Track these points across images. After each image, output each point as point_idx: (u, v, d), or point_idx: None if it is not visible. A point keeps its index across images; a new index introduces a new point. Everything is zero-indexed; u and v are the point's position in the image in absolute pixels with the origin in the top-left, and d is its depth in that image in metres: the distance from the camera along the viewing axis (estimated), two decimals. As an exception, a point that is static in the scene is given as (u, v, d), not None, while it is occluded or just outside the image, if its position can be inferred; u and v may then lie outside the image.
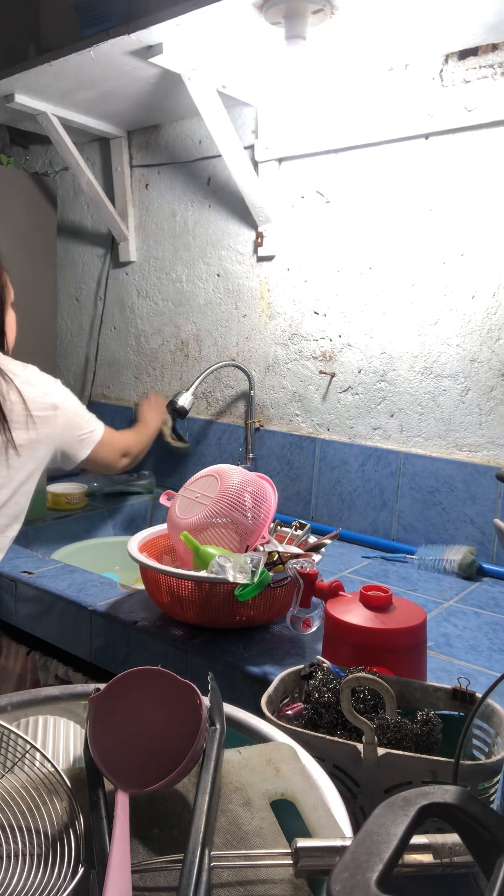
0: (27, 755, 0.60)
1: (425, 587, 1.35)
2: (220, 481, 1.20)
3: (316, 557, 1.10)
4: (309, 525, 1.24)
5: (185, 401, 1.73)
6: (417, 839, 0.51)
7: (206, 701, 0.62)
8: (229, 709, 0.70)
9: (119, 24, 1.37)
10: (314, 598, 1.05)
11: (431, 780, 0.70)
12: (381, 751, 0.71)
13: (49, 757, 0.60)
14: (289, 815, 0.57)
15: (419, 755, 0.71)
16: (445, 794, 0.46)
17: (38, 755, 0.60)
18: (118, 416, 2.17)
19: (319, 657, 0.88)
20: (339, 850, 0.49)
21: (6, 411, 1.22)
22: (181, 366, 2.02)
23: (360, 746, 0.72)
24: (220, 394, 1.93)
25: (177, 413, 1.74)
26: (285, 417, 1.79)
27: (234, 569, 1.03)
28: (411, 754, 0.71)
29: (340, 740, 0.73)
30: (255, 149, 1.73)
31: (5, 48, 1.87)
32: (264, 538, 1.16)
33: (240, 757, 0.63)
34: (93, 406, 2.21)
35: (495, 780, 0.73)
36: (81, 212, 2.22)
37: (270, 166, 1.72)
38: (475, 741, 0.81)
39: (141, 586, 1.24)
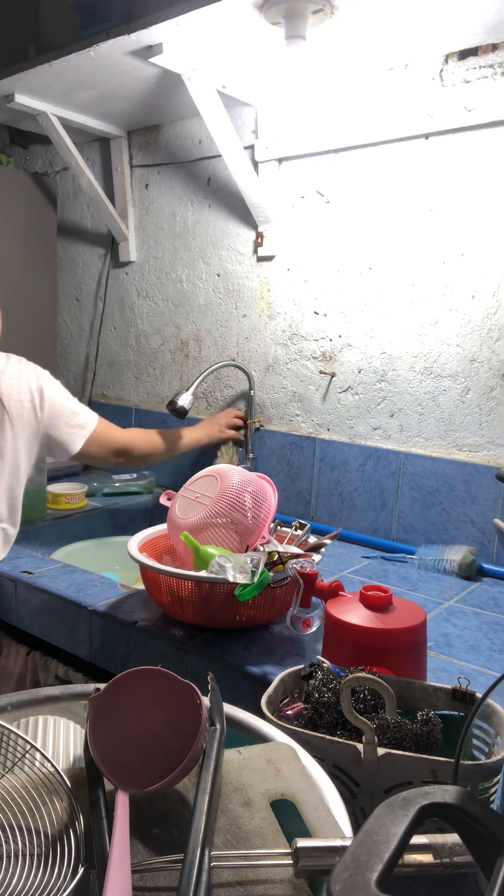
0: (27, 755, 0.60)
1: (425, 587, 1.35)
2: (220, 481, 1.20)
3: (316, 557, 1.10)
4: (309, 525, 1.24)
5: (185, 401, 1.72)
6: (417, 839, 0.51)
7: (206, 701, 0.62)
8: (229, 709, 0.70)
9: (119, 24, 1.37)
10: (314, 598, 1.05)
11: (431, 780, 0.70)
12: (381, 751, 0.71)
13: (49, 757, 0.60)
14: (289, 815, 0.57)
15: (419, 755, 0.71)
16: (445, 794, 0.46)
17: (38, 755, 0.60)
18: (118, 416, 2.16)
19: (319, 657, 0.88)
20: (339, 850, 0.49)
21: None
22: (181, 366, 2.02)
23: (360, 746, 0.72)
24: (220, 394, 1.93)
25: (177, 413, 1.74)
26: (285, 417, 1.79)
27: (234, 569, 1.03)
28: (411, 754, 0.71)
29: (340, 740, 0.73)
30: (255, 149, 1.73)
31: (5, 48, 1.87)
32: (264, 538, 1.16)
33: (240, 757, 0.63)
34: (93, 406, 2.21)
35: (495, 780, 0.73)
36: (81, 212, 2.22)
37: (270, 166, 1.72)
38: (475, 741, 0.81)
39: (141, 586, 1.24)
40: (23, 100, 1.74)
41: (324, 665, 0.85)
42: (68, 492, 1.81)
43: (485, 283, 1.44)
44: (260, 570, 1.02)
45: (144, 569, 1.14)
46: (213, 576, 1.04)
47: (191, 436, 1.71)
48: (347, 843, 0.48)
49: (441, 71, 1.44)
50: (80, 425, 1.38)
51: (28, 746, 0.61)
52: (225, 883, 0.50)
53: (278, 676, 0.85)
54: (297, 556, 1.08)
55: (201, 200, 1.91)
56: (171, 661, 1.08)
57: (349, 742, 0.73)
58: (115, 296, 2.17)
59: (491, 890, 0.39)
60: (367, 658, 0.87)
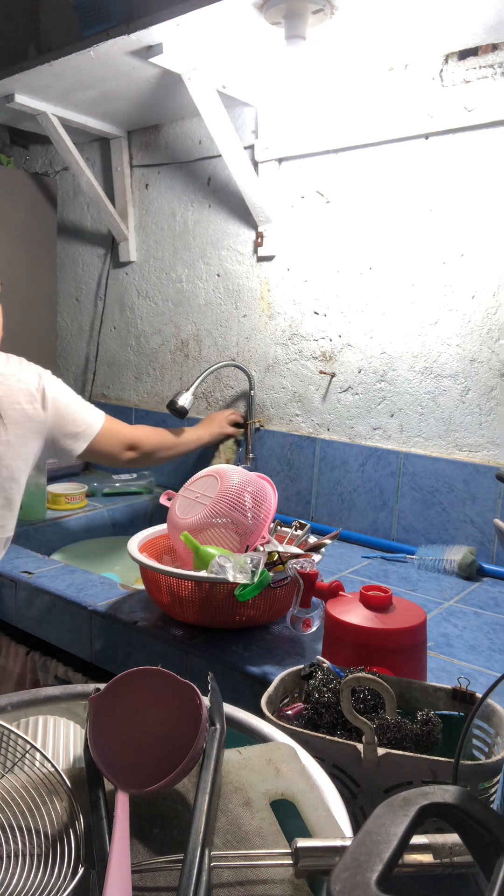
0: (27, 755, 0.60)
1: (425, 587, 1.35)
2: (220, 481, 1.20)
3: (316, 557, 1.10)
4: (309, 525, 1.24)
5: (185, 401, 1.72)
6: (417, 839, 0.51)
7: (206, 701, 0.62)
8: (229, 709, 0.70)
9: (119, 24, 1.37)
10: (314, 598, 1.05)
11: (431, 780, 0.70)
12: (381, 751, 0.71)
13: (49, 757, 0.60)
14: (289, 815, 0.57)
15: (419, 755, 0.71)
16: (445, 794, 0.46)
17: (38, 755, 0.60)
18: (118, 416, 2.14)
19: (319, 657, 0.88)
20: (339, 850, 0.49)
21: None
22: (181, 366, 2.02)
23: (360, 746, 0.72)
24: (220, 394, 1.93)
25: (177, 413, 1.74)
26: (285, 417, 1.79)
27: (234, 569, 1.03)
28: (411, 754, 0.71)
29: (340, 740, 0.73)
30: (255, 149, 1.73)
31: (5, 48, 1.87)
32: (264, 538, 1.16)
33: (240, 757, 0.63)
34: (93, 406, 2.21)
35: (495, 780, 0.73)
36: (81, 212, 2.22)
37: (270, 166, 1.72)
38: (475, 741, 0.81)
39: (141, 586, 1.24)
40: (23, 100, 1.74)
41: (324, 665, 0.85)
42: (68, 492, 1.81)
43: (485, 283, 1.44)
44: (260, 570, 1.02)
45: (144, 569, 1.14)
46: (213, 576, 1.04)
47: (193, 433, 1.72)
48: (347, 843, 0.48)
49: (441, 71, 1.44)
50: (87, 423, 1.36)
51: (28, 746, 0.61)
52: (225, 883, 0.50)
53: (278, 676, 0.85)
54: (297, 556, 1.08)
55: (201, 200, 1.91)
56: (171, 661, 1.08)
57: (349, 742, 0.73)
58: (115, 296, 2.17)
59: (491, 890, 0.39)
60: (367, 658, 0.87)
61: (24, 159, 2.32)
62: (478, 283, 1.45)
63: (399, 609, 0.93)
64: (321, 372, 1.70)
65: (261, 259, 1.79)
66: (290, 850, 0.50)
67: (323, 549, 1.15)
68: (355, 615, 0.91)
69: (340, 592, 1.01)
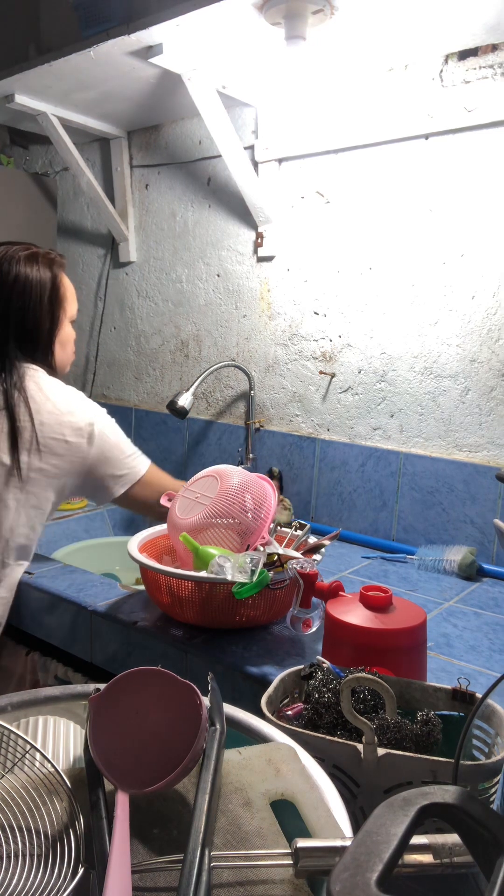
0: (27, 755, 0.60)
1: (425, 587, 1.35)
2: (220, 482, 1.20)
3: (316, 557, 1.10)
4: (309, 525, 1.24)
5: (185, 401, 1.73)
6: (417, 839, 0.51)
7: (206, 701, 0.62)
8: (229, 709, 0.70)
9: (119, 25, 1.37)
10: (314, 599, 1.05)
11: (431, 780, 0.70)
12: (381, 751, 0.71)
13: (49, 757, 0.60)
14: (289, 815, 0.57)
15: (419, 755, 0.71)
16: (445, 794, 0.46)
17: (38, 755, 0.60)
18: (118, 416, 2.16)
19: (319, 657, 0.88)
20: (339, 851, 0.49)
21: (19, 437, 1.19)
22: (181, 366, 2.02)
23: (360, 746, 0.72)
24: (220, 394, 1.93)
25: (177, 413, 1.74)
26: (285, 417, 1.79)
27: (234, 568, 1.03)
28: (411, 754, 0.71)
29: (340, 740, 0.73)
30: (255, 149, 1.73)
31: (5, 48, 1.87)
32: (264, 538, 1.16)
33: (240, 757, 0.63)
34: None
35: (495, 780, 0.73)
36: (81, 212, 2.23)
37: (270, 166, 1.72)
38: (475, 741, 0.81)
39: (141, 586, 1.24)
40: (23, 100, 1.74)
41: (324, 665, 0.85)
42: (68, 492, 1.81)
43: (485, 284, 1.44)
44: (259, 570, 1.02)
45: (144, 569, 1.14)
46: (213, 576, 1.04)
47: None
48: (347, 843, 0.48)
49: (441, 71, 1.44)
50: (130, 468, 1.32)
51: (28, 746, 0.61)
52: (225, 883, 0.50)
53: (278, 676, 0.85)
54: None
55: (201, 201, 1.91)
56: (171, 661, 1.08)
57: (349, 742, 0.73)
58: (115, 296, 2.17)
59: (491, 890, 0.39)
60: (367, 658, 0.87)
61: (24, 159, 2.32)
62: (478, 283, 1.45)
63: (399, 609, 0.93)
64: (321, 372, 1.70)
65: (261, 259, 1.79)
66: (290, 851, 0.50)
67: (323, 550, 1.15)
68: (355, 615, 0.91)
69: (340, 593, 1.01)
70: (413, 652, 0.91)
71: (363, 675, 0.75)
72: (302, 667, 0.86)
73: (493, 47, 1.37)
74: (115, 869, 0.48)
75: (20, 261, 1.27)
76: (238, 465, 1.64)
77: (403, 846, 0.42)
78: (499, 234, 1.42)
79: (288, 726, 0.74)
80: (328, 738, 0.73)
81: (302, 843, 0.50)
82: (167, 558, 1.27)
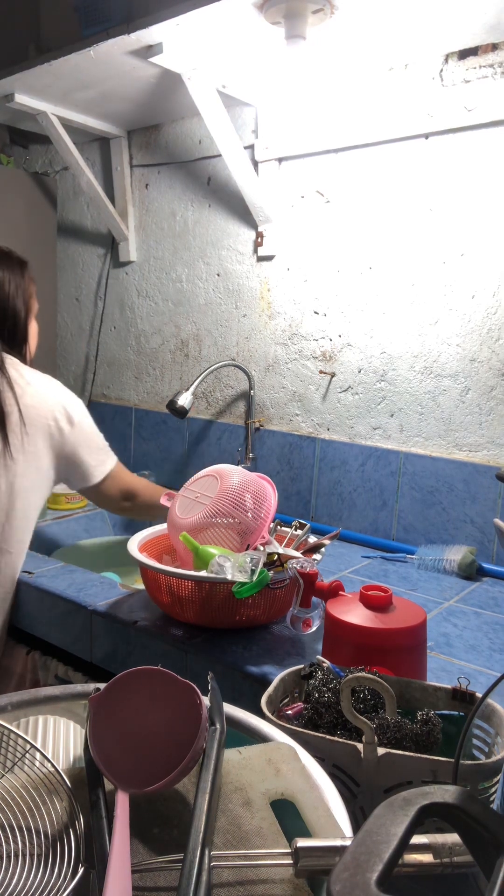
0: (27, 755, 0.60)
1: (425, 587, 1.35)
2: (220, 481, 1.19)
3: (316, 557, 1.10)
4: (309, 525, 1.24)
5: (184, 401, 1.72)
6: (417, 839, 0.51)
7: (206, 701, 0.62)
8: (229, 709, 0.70)
9: (119, 24, 1.37)
10: (314, 598, 1.05)
11: (431, 780, 0.70)
12: (381, 751, 0.71)
13: (49, 757, 0.60)
14: (289, 815, 0.57)
15: (419, 755, 0.71)
16: (445, 794, 0.46)
17: (38, 755, 0.60)
18: (118, 416, 2.17)
19: (319, 657, 0.88)
20: (339, 850, 0.49)
21: (6, 419, 1.23)
22: (181, 366, 2.02)
23: (360, 746, 0.72)
24: (220, 394, 1.93)
25: (177, 413, 1.74)
26: (285, 417, 1.79)
27: (234, 568, 1.03)
28: (411, 754, 0.71)
29: (340, 740, 0.73)
30: (255, 149, 1.73)
31: (5, 48, 1.87)
32: (264, 538, 1.16)
33: (240, 757, 0.63)
34: (93, 406, 2.21)
35: (495, 780, 0.73)
36: (81, 212, 2.22)
37: (270, 166, 1.72)
38: (475, 741, 0.81)
39: (141, 586, 1.24)
40: (23, 100, 1.74)
41: (324, 665, 0.85)
42: (68, 492, 1.81)
43: (485, 283, 1.44)
44: (259, 570, 1.02)
45: (144, 569, 1.14)
46: (213, 576, 1.04)
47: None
48: (347, 843, 0.48)
49: (441, 71, 1.44)
50: (102, 460, 1.39)
51: (28, 746, 0.61)
52: (225, 883, 0.50)
53: (278, 676, 0.85)
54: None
55: (201, 200, 1.91)
56: (171, 661, 1.08)
57: (349, 742, 0.73)
58: (115, 296, 2.17)
59: (491, 890, 0.39)
60: (367, 658, 0.87)
61: (24, 159, 2.32)
62: (478, 282, 1.45)
63: (399, 609, 0.93)
64: (321, 372, 1.70)
65: (261, 259, 1.79)
66: (290, 850, 0.50)
67: (323, 549, 1.15)
68: (355, 615, 0.91)
69: (340, 592, 1.01)
70: (413, 651, 0.91)
71: (363, 674, 0.75)
72: (302, 666, 0.86)
73: (493, 47, 1.37)
74: (115, 869, 0.48)
75: None
76: (238, 465, 1.64)
77: (403, 846, 0.42)
78: (499, 234, 1.42)
79: (288, 726, 0.74)
80: (328, 737, 0.73)
81: (302, 842, 0.50)
82: (167, 558, 1.27)
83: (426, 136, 1.48)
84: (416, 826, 0.44)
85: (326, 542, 1.16)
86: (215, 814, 0.56)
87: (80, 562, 1.52)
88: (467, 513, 1.48)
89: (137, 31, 1.34)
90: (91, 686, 0.74)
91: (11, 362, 1.31)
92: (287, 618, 1.07)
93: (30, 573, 1.33)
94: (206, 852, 0.50)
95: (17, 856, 0.52)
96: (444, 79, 1.44)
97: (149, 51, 1.42)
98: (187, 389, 1.73)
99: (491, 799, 0.73)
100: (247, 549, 1.12)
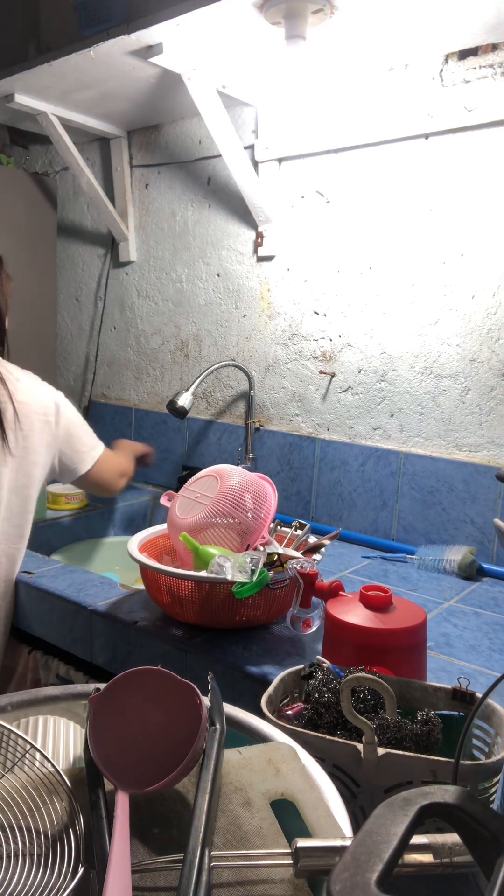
0: (27, 755, 0.60)
1: (425, 587, 1.35)
2: (220, 481, 1.20)
3: (316, 557, 1.10)
4: (309, 525, 1.24)
5: (184, 401, 1.72)
6: (417, 839, 0.51)
7: (206, 701, 0.62)
8: (229, 709, 0.70)
9: (119, 24, 1.37)
10: (314, 598, 1.05)
11: (431, 780, 0.70)
12: (381, 751, 0.71)
13: (49, 757, 0.60)
14: (289, 815, 0.57)
15: (419, 755, 0.71)
16: (445, 794, 0.46)
17: (38, 755, 0.60)
18: (118, 416, 2.17)
19: (319, 657, 0.88)
20: (339, 850, 0.49)
21: (3, 415, 1.24)
22: (181, 366, 2.02)
23: (360, 746, 0.72)
24: (220, 394, 1.93)
25: (177, 413, 1.74)
26: (285, 417, 1.79)
27: (234, 568, 1.03)
28: (411, 754, 0.71)
29: (340, 740, 0.73)
30: (255, 149, 1.73)
31: (5, 48, 1.87)
32: (264, 538, 1.16)
33: (240, 757, 0.63)
34: (93, 406, 2.21)
35: (495, 780, 0.73)
36: (81, 212, 2.22)
37: (270, 166, 1.72)
38: (475, 741, 0.81)
39: (141, 586, 1.24)
40: (23, 100, 1.74)
41: (324, 665, 0.85)
42: (68, 492, 1.81)
43: (485, 283, 1.44)
44: (259, 570, 1.02)
45: (144, 569, 1.14)
46: (213, 576, 1.04)
47: (128, 459, 1.63)
48: (347, 843, 0.48)
49: (441, 71, 1.44)
50: (92, 446, 1.41)
51: (28, 746, 0.61)
52: (225, 883, 0.50)
53: (278, 676, 0.85)
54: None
55: (201, 200, 1.91)
56: (171, 661, 1.08)
57: (349, 742, 0.73)
58: (115, 296, 2.17)
59: (491, 890, 0.39)
60: (367, 658, 0.87)
61: (24, 159, 2.32)
62: (478, 283, 1.45)
63: (399, 609, 0.93)
64: (321, 372, 1.70)
65: (261, 259, 1.79)
66: (290, 850, 0.50)
67: (323, 549, 1.15)
68: (355, 615, 0.91)
69: (340, 592, 1.01)
70: (413, 652, 0.91)
71: (363, 674, 0.75)
72: (302, 666, 0.86)
73: (493, 47, 1.37)
74: (115, 869, 0.48)
75: None
76: (238, 465, 1.64)
77: (403, 846, 0.42)
78: (499, 234, 1.42)
79: (288, 726, 0.74)
80: (328, 737, 0.73)
81: (302, 842, 0.50)
82: (167, 558, 1.27)
83: (426, 136, 1.48)
84: (416, 826, 0.44)
85: (326, 542, 1.16)
86: (215, 814, 0.56)
87: (80, 562, 1.52)
88: (467, 513, 1.48)
89: (137, 32, 1.34)
90: (91, 686, 0.74)
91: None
92: (287, 618, 1.07)
93: (30, 573, 1.33)
94: (206, 852, 0.50)
95: (17, 856, 0.52)
96: (444, 79, 1.44)
97: (149, 51, 1.42)
98: (187, 389, 1.73)
99: (491, 799, 0.73)
100: (247, 550, 1.12)
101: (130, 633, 1.14)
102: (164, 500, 1.32)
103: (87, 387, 2.26)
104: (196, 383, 1.74)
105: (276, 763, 0.62)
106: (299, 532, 1.23)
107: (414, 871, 0.50)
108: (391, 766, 0.71)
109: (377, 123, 1.53)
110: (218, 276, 1.89)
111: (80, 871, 0.50)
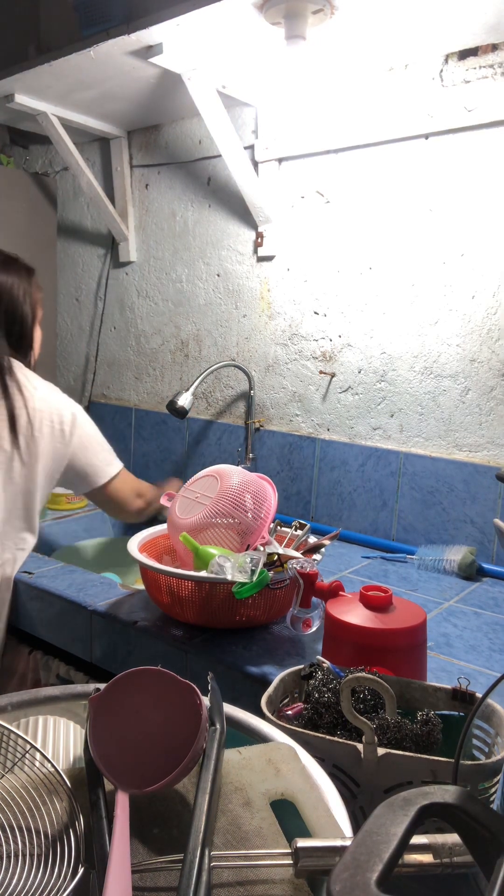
0: (27, 755, 0.60)
1: (425, 587, 1.35)
2: (220, 482, 1.20)
3: (316, 557, 1.10)
4: (309, 525, 1.24)
5: (184, 401, 1.72)
6: (417, 839, 0.51)
7: (206, 701, 0.62)
8: (229, 709, 0.70)
9: (119, 24, 1.37)
10: (314, 598, 1.05)
11: (431, 780, 0.70)
12: (381, 751, 0.71)
13: (49, 757, 0.60)
14: (289, 815, 0.57)
15: (419, 755, 0.71)
16: (445, 794, 0.46)
17: (38, 755, 0.60)
18: (118, 416, 2.17)
19: (319, 657, 0.88)
20: (339, 850, 0.49)
21: (17, 422, 1.26)
22: (181, 366, 2.02)
23: (360, 746, 0.72)
24: (220, 394, 1.93)
25: (177, 413, 1.74)
26: (285, 417, 1.79)
27: (234, 568, 1.03)
28: (411, 754, 0.71)
29: (340, 740, 0.73)
30: (255, 149, 1.73)
31: (5, 48, 1.87)
32: (264, 538, 1.16)
33: (240, 757, 0.63)
34: (93, 406, 2.21)
35: (495, 780, 0.73)
36: (81, 212, 2.22)
37: (270, 166, 1.72)
38: (475, 741, 0.81)
39: (141, 586, 1.24)
40: (23, 100, 1.74)
41: (324, 665, 0.85)
42: (68, 492, 1.81)
43: (485, 283, 1.44)
44: (259, 570, 1.02)
45: (144, 569, 1.14)
46: (213, 576, 1.04)
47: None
48: (347, 843, 0.48)
49: (441, 71, 1.44)
50: (109, 461, 1.41)
51: (28, 746, 0.61)
52: (225, 883, 0.50)
53: (278, 676, 0.85)
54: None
55: (201, 200, 1.91)
56: (171, 661, 1.08)
57: (349, 742, 0.73)
58: (115, 296, 2.17)
59: (491, 890, 0.39)
60: (367, 658, 0.87)
61: (24, 159, 2.32)
62: (478, 283, 1.45)
63: (399, 609, 0.93)
64: (321, 372, 1.70)
65: (261, 259, 1.79)
66: (290, 850, 0.50)
67: (323, 550, 1.15)
68: (355, 615, 0.91)
69: (340, 592, 1.01)
70: (413, 652, 0.91)
71: (363, 674, 0.75)
72: (302, 667, 0.86)
73: (493, 47, 1.37)
74: (115, 869, 0.48)
75: (1, 264, 1.36)
76: (238, 465, 1.64)
77: (403, 846, 0.42)
78: (499, 234, 1.42)
79: (288, 726, 0.74)
80: (328, 737, 0.73)
81: (302, 842, 0.50)
82: (167, 558, 1.27)
83: (426, 136, 1.48)
84: (416, 826, 0.44)
85: (326, 542, 1.16)
86: (215, 814, 0.56)
87: (80, 562, 1.52)
88: (467, 513, 1.48)
89: (137, 32, 1.34)
90: (91, 686, 0.74)
91: (18, 367, 1.33)
92: (287, 618, 1.07)
93: (30, 573, 1.33)
94: (206, 852, 0.50)
95: (17, 856, 0.52)
96: (444, 79, 1.44)
97: (149, 51, 1.42)
98: (187, 390, 1.73)
99: (491, 799, 0.73)
100: (247, 550, 1.12)
101: (130, 634, 1.14)
102: (164, 501, 1.32)
103: (87, 387, 2.26)
104: (196, 383, 1.74)
105: (276, 763, 0.62)
106: (299, 532, 1.23)
107: (414, 871, 0.50)
108: (391, 766, 0.71)
109: (377, 123, 1.53)
110: (218, 276, 1.89)
111: (80, 871, 0.50)
